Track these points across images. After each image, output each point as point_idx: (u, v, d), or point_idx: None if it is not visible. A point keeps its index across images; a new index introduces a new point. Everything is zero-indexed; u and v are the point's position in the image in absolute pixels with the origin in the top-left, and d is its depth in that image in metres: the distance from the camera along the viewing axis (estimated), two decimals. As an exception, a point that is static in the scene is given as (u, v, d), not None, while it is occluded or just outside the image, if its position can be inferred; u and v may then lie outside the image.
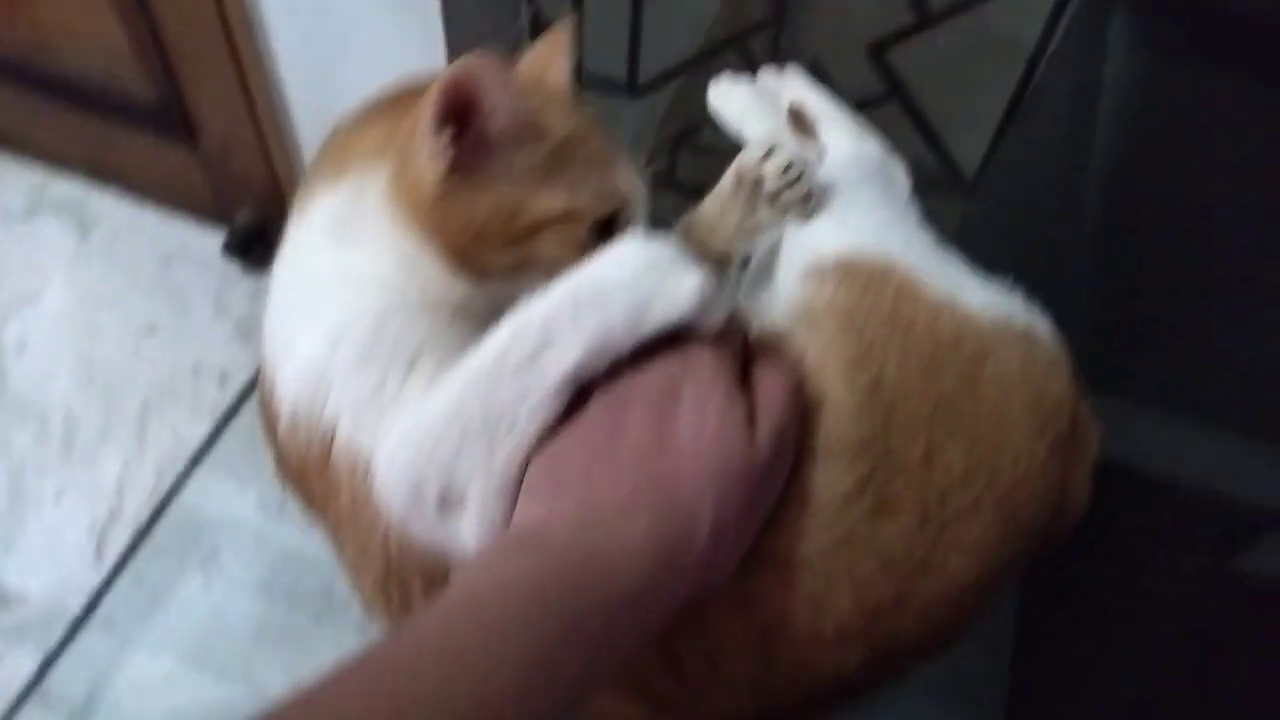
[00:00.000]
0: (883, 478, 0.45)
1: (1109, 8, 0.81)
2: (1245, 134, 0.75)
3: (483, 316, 0.44)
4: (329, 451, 0.42)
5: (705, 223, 0.56)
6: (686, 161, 1.37)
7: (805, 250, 0.53)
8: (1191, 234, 0.69)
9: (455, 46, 1.05)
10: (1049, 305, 0.57)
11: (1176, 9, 0.77)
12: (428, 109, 0.42)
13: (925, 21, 1.02)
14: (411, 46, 1.07)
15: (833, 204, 0.55)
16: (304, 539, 1.35)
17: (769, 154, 0.53)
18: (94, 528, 1.39)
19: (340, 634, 1.30)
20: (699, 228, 0.56)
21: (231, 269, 1.62)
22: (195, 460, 1.45)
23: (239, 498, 1.42)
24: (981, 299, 0.51)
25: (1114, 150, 0.77)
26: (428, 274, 0.44)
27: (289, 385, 0.43)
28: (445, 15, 1.01)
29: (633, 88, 1.26)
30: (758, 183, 0.53)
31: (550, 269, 0.45)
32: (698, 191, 1.49)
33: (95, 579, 1.35)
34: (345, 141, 0.50)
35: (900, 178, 0.61)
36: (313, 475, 0.44)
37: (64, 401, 1.50)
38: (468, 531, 0.42)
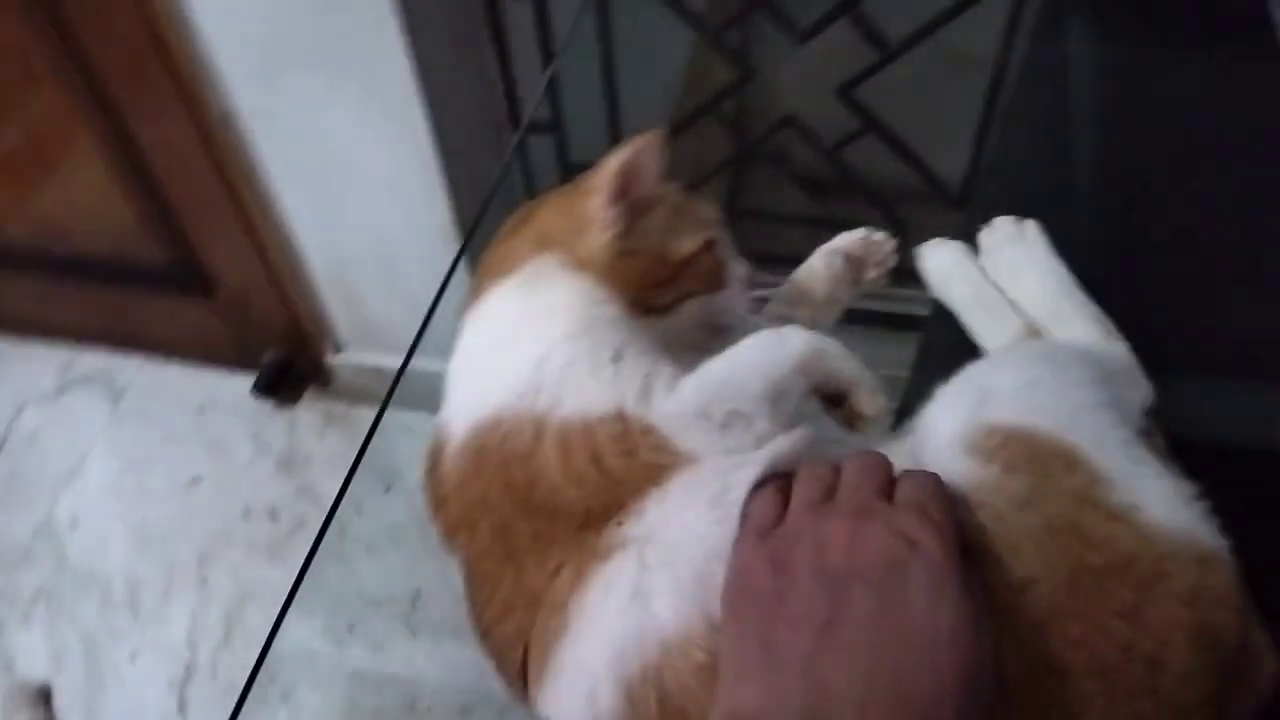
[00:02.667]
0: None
1: (1063, 10, 0.85)
2: (1216, 103, 0.79)
3: (657, 343, 0.54)
4: (542, 434, 0.49)
5: (794, 296, 0.64)
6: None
7: (981, 404, 0.49)
8: (1184, 207, 0.72)
9: (452, 169, 1.09)
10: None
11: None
12: (604, 187, 0.53)
13: (887, 56, 1.07)
14: (411, 172, 1.12)
15: (1034, 371, 0.51)
16: (375, 658, 1.36)
17: (865, 238, 0.64)
18: (173, 683, 1.41)
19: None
20: (790, 300, 0.64)
21: (264, 408, 1.67)
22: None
23: (305, 629, 1.43)
24: (1165, 512, 0.45)
25: (1095, 140, 0.80)
26: (611, 319, 0.54)
27: (499, 398, 0.51)
28: (435, 138, 1.05)
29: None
30: (859, 263, 0.64)
31: (695, 298, 0.56)
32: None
33: (182, 734, 1.36)
34: (503, 251, 0.58)
35: (1136, 395, 0.55)
36: (517, 464, 0.49)
37: (123, 566, 1.53)
38: (747, 438, 0.49)
